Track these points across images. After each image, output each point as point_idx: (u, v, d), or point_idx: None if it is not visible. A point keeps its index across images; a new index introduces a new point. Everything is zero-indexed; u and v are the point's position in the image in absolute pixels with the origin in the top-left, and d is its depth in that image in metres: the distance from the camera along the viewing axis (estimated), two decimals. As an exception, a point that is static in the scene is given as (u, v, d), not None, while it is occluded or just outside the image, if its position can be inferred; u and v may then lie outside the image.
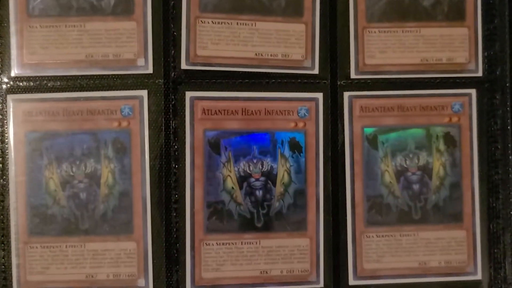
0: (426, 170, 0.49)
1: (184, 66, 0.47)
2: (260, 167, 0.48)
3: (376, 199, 0.49)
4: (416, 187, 0.49)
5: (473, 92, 0.49)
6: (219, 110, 0.47)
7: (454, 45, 0.49)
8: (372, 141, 0.49)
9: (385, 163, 0.49)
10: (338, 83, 0.49)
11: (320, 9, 0.48)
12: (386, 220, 0.49)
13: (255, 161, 0.48)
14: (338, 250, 0.48)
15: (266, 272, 0.47)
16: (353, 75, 0.49)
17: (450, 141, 0.49)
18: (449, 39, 0.49)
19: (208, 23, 0.47)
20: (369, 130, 0.49)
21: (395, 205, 0.49)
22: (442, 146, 0.49)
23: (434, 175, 0.49)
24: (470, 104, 0.49)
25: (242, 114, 0.48)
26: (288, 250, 0.47)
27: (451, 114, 0.49)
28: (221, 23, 0.47)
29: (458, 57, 0.49)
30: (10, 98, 0.46)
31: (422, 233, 0.49)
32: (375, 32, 0.49)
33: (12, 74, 0.46)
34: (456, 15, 0.49)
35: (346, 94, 0.48)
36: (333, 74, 0.49)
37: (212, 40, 0.47)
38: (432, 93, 0.49)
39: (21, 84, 0.46)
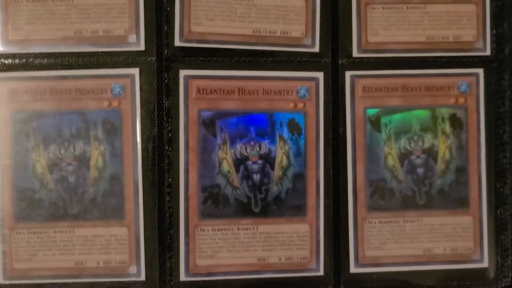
0: (431, 153, 0.47)
1: (177, 43, 0.45)
2: (258, 150, 0.45)
3: (379, 183, 0.46)
4: (420, 171, 0.47)
5: (480, 72, 0.47)
6: (214, 90, 0.45)
7: (461, 22, 0.47)
8: (375, 122, 0.46)
9: (388, 146, 0.47)
10: (340, 62, 0.46)
11: (321, -16, 0.46)
12: (389, 205, 0.47)
13: (252, 143, 0.45)
14: (338, 236, 0.46)
15: (264, 260, 0.45)
16: (355, 54, 0.46)
17: (457, 123, 0.47)
18: (456, 16, 0.47)
19: (203, -3, 0.45)
20: (371, 111, 0.46)
21: (399, 190, 0.47)
22: (448, 128, 0.47)
23: (439, 158, 0.47)
24: (478, 85, 0.47)
25: (238, 94, 0.45)
26: (287, 236, 0.45)
27: (457, 94, 0.47)
28: (217, -2, 0.45)
29: (465, 35, 0.47)
30: (-6, 76, 0.44)
31: (426, 219, 0.47)
32: (378, 8, 0.46)
33: (-4, 50, 0.44)
34: (463, -10, 0.47)
35: (348, 74, 0.46)
36: (334, 52, 0.46)
37: (207, 16, 0.45)
38: (438, 73, 0.47)
39: (6, 61, 0.44)
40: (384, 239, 0.47)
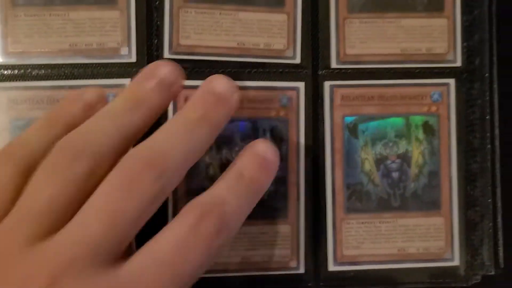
0: (405, 159, 0.50)
1: (167, 55, 0.48)
2: (242, 155, 0.48)
3: (356, 186, 0.50)
4: (395, 175, 0.50)
5: (451, 82, 0.50)
6: (202, 99, 0.48)
7: (434, 35, 0.50)
8: (352, 129, 0.50)
9: (365, 152, 0.50)
10: (319, 72, 0.49)
11: (302, 0, 0.49)
12: (365, 207, 0.50)
13: (237, 148, 0.48)
14: (318, 237, 0.49)
15: (248, 258, 0.48)
16: (334, 65, 0.49)
17: (429, 130, 0.50)
18: (428, 29, 0.50)
19: (191, 13, 0.48)
20: (349, 119, 0.49)
21: (375, 193, 0.50)
22: (421, 135, 0.50)
23: (413, 163, 0.50)
24: (449, 94, 0.50)
25: (224, 103, 0.48)
26: (269, 236, 0.48)
27: (430, 103, 0.50)
28: (204, 13, 0.48)
29: (437, 48, 0.50)
30: (-5, 86, 0.47)
31: (401, 220, 0.50)
32: (356, 22, 0.49)
33: (-3, 62, 0.46)
34: (435, 6, 0.50)
35: (327, 84, 0.49)
36: (314, 63, 0.49)
37: (195, 30, 0.48)
38: (411, 83, 0.50)
39: (5, 72, 0.47)
40: (361, 239, 0.50)
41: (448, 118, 0.50)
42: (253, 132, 0.49)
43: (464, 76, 0.50)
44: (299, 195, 0.49)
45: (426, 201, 0.50)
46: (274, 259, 0.48)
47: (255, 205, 0.40)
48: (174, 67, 0.40)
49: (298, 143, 0.49)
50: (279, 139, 0.49)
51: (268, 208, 0.48)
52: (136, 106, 0.38)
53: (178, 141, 0.36)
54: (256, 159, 0.40)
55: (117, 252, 0.34)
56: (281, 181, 0.49)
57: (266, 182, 0.40)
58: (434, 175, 0.50)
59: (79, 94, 0.42)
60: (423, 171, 0.50)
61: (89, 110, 0.41)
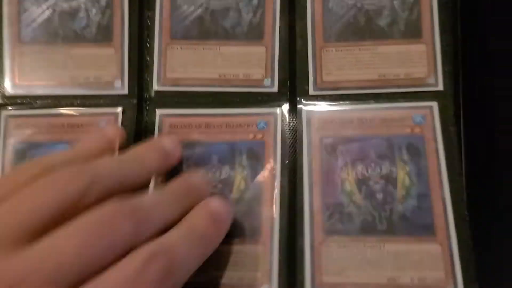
0: (389, 179, 0.47)
1: (155, 87, 0.52)
2: (219, 175, 0.49)
3: (336, 207, 0.47)
4: (379, 196, 0.47)
5: (434, 104, 0.49)
6: (184, 125, 0.51)
7: (413, 61, 0.50)
8: (331, 150, 0.48)
9: (345, 172, 0.48)
10: (297, 98, 0.50)
11: (280, 33, 0.52)
12: (347, 229, 0.46)
13: (214, 169, 0.49)
14: (294, 260, 0.46)
15: (216, 279, 0.45)
16: (311, 92, 0.51)
17: (414, 151, 0.48)
18: (406, 55, 0.50)
19: (178, 49, 0.53)
20: (328, 140, 0.49)
21: (358, 214, 0.46)
22: (405, 156, 0.48)
23: (399, 184, 0.47)
24: (433, 116, 0.49)
25: (204, 128, 0.50)
26: (240, 257, 0.46)
27: (412, 125, 0.48)
28: (189, 49, 0.53)
29: (416, 73, 0.50)
30: (3, 113, 0.52)
31: (389, 245, 0.45)
32: (332, 51, 0.51)
33: (6, 93, 0.53)
34: (413, 32, 0.51)
35: (305, 109, 0.50)
36: (292, 90, 0.51)
37: (181, 64, 0.52)
38: (391, 106, 0.49)
39: (13, 101, 0.52)
40: (344, 265, 0.45)
41: (435, 140, 0.48)
42: (231, 154, 0.49)
43: (447, 99, 0.49)
44: (273, 213, 0.47)
45: (417, 224, 0.46)
46: (244, 281, 0.45)
47: (205, 258, 0.40)
48: (172, 141, 0.47)
49: (274, 163, 0.48)
50: (255, 159, 0.49)
51: (239, 226, 0.47)
52: (137, 161, 0.43)
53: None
54: (209, 215, 0.41)
55: (79, 279, 0.32)
56: (255, 200, 0.47)
57: (217, 237, 0.41)
58: (423, 197, 0.46)
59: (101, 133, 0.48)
60: (411, 193, 0.47)
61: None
